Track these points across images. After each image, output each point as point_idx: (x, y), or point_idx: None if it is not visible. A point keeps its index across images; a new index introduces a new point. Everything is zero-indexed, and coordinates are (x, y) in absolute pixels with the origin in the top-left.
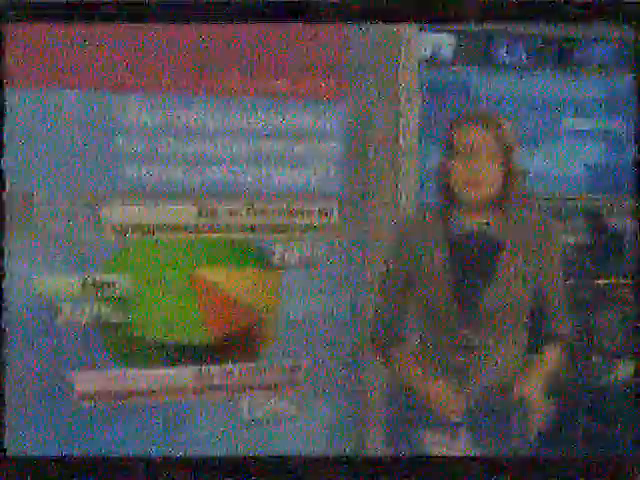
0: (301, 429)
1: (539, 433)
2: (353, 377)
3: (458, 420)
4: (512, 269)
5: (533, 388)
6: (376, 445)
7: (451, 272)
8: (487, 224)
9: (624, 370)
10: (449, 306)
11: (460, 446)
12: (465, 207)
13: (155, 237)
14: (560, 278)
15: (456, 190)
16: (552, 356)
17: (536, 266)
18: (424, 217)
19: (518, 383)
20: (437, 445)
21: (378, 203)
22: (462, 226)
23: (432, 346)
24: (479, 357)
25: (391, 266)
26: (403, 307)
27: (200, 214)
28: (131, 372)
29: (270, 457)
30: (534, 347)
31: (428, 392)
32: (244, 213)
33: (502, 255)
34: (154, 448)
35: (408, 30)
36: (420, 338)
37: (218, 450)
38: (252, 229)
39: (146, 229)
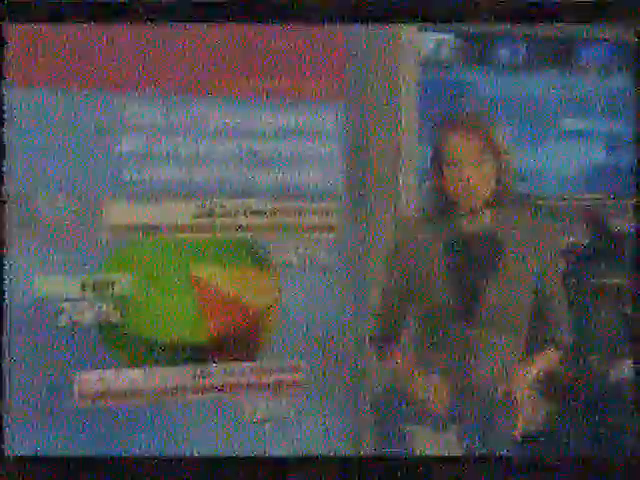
0: (301, 429)
1: (536, 433)
2: (353, 377)
3: (442, 413)
4: (512, 270)
5: (521, 386)
6: (375, 445)
7: (451, 273)
8: (487, 225)
9: (624, 370)
10: (448, 306)
11: (448, 442)
12: (463, 211)
13: (155, 237)
14: (560, 282)
15: (449, 197)
16: (548, 359)
17: (536, 268)
18: (424, 219)
19: (507, 380)
20: (425, 441)
21: (378, 203)
22: (462, 228)
23: (430, 345)
24: (477, 356)
25: (392, 268)
26: (403, 308)
27: (200, 214)
28: (131, 372)
29: (270, 457)
30: (532, 349)
31: (415, 386)
32: (244, 213)
33: (502, 256)
34: (154, 448)
35: (408, 30)
36: (418, 337)
37: (218, 450)
38: (252, 229)
39: (146, 229)
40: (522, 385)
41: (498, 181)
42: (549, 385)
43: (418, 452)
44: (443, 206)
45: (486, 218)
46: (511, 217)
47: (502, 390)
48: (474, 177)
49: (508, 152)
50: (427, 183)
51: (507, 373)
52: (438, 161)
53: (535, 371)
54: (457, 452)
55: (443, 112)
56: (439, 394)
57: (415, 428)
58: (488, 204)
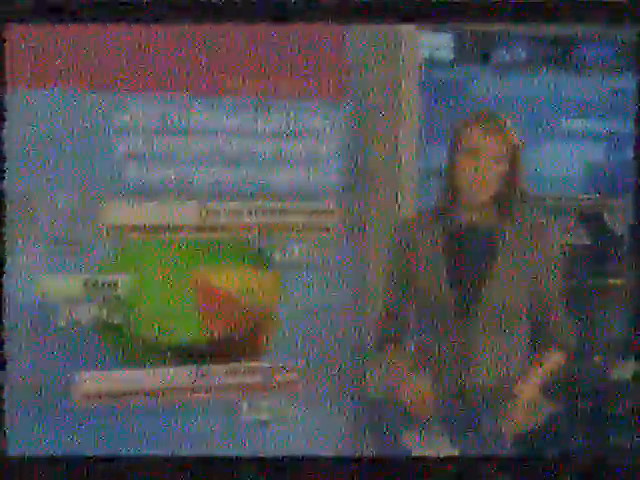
0: (301, 429)
1: (537, 433)
2: (353, 377)
3: (426, 417)
4: (509, 268)
5: (528, 387)
6: (372, 448)
7: (449, 270)
8: (487, 223)
9: (624, 370)
10: (447, 304)
11: (442, 446)
12: (467, 205)
13: (155, 237)
14: (560, 282)
15: (461, 188)
16: (552, 360)
17: (534, 266)
18: (423, 216)
19: (514, 383)
20: (418, 445)
21: (378, 203)
22: (460, 225)
23: (430, 344)
24: (476, 355)
25: (393, 267)
26: (405, 308)
27: (200, 214)
28: (131, 372)
29: (270, 457)
30: (535, 348)
31: (402, 388)
32: (244, 213)
33: (499, 254)
34: (154, 448)
35: (408, 30)
36: (418, 335)
37: (218, 450)
38: (252, 229)
39: (146, 229)
40: (530, 389)
41: (509, 180)
42: (550, 385)
43: (411, 454)
44: (450, 197)
45: (486, 216)
46: (512, 215)
47: (509, 393)
48: (488, 170)
49: (522, 154)
50: (439, 176)
51: (513, 375)
52: (454, 151)
53: (543, 374)
54: (450, 454)
55: (467, 113)
56: (423, 398)
57: (407, 432)
58: (495, 202)
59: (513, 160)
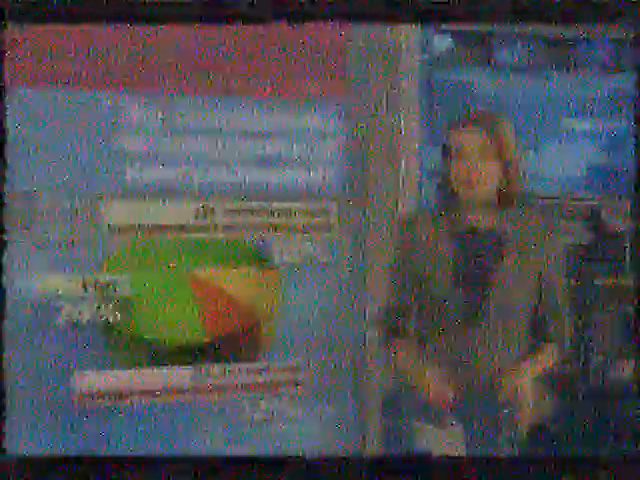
0: (301, 429)
1: (537, 432)
2: (353, 377)
3: (448, 410)
4: (514, 267)
5: (520, 383)
6: (376, 445)
7: (454, 269)
8: (491, 224)
9: (624, 370)
10: (452, 303)
11: (452, 439)
12: (466, 205)
13: (155, 237)
14: (561, 280)
15: (454, 190)
16: (546, 357)
17: (538, 265)
18: (429, 216)
19: (507, 377)
20: (429, 438)
21: (378, 203)
22: (466, 224)
23: (434, 341)
24: (480, 354)
25: (398, 262)
26: (411, 301)
27: (200, 214)
28: (131, 372)
29: (270, 457)
30: (533, 346)
31: (422, 381)
32: (244, 213)
33: (505, 253)
34: (154, 448)
35: (408, 30)
36: (423, 332)
37: (218, 450)
38: (252, 229)
39: (146, 229)
40: (523, 383)
41: (504, 179)
42: (550, 382)
43: (422, 448)
44: (447, 199)
45: (490, 217)
46: (515, 216)
47: (504, 388)
48: (477, 170)
49: (515, 152)
50: (435, 179)
51: (508, 371)
52: (446, 155)
53: (534, 369)
54: (461, 449)
55: (457, 112)
56: (444, 389)
57: (420, 425)
58: (493, 201)
59: (505, 157)
